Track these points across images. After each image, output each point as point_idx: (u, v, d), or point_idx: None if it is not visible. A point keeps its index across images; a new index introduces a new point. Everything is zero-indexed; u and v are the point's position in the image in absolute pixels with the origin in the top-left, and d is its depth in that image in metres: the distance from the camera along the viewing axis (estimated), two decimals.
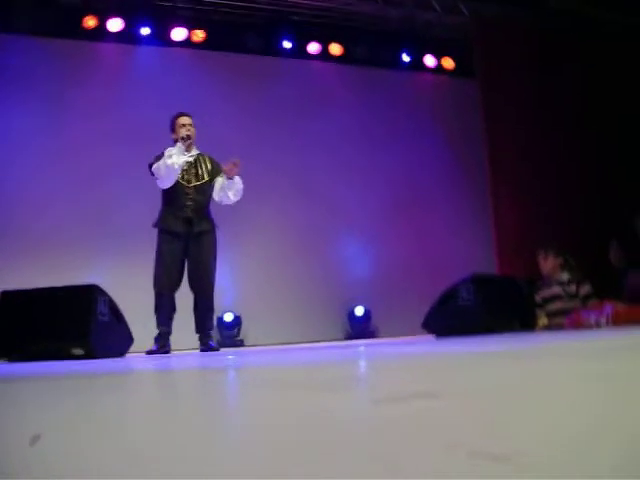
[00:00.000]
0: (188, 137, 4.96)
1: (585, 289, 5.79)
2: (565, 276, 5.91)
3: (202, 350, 4.99)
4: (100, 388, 1.81)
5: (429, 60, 9.33)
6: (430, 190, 8.80)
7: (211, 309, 5.08)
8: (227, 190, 5.04)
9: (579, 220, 7.84)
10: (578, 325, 5.36)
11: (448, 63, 9.42)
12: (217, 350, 5.08)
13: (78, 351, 4.53)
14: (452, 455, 0.61)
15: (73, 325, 4.45)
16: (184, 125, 5.03)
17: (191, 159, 5.05)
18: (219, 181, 5.11)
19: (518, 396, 1.12)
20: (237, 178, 5.03)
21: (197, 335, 5.06)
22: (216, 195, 5.13)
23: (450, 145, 8.92)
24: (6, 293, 4.75)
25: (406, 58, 9.21)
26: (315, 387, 1.49)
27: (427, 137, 8.93)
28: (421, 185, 8.77)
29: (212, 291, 5.03)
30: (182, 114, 5.11)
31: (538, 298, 5.97)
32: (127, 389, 1.82)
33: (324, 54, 8.75)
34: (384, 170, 8.66)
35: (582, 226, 7.72)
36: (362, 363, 2.49)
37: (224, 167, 5.02)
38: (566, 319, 5.56)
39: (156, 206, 5.15)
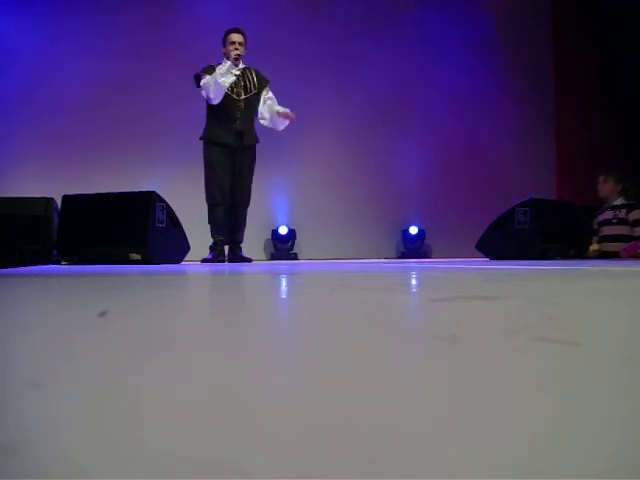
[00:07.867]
0: (238, 57, 5.00)
1: (634, 214, 5.64)
2: (619, 201, 5.75)
3: (230, 260, 5.12)
4: (156, 283, 1.85)
5: None
6: (492, 110, 8.49)
7: (244, 220, 5.16)
8: (276, 122, 5.16)
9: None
10: (634, 255, 5.28)
11: None
12: (249, 261, 5.20)
13: (135, 256, 4.67)
14: (514, 338, 0.61)
15: (131, 231, 4.57)
16: (233, 43, 5.01)
17: (239, 72, 5.06)
18: (264, 95, 5.15)
19: (570, 301, 1.10)
20: (285, 123, 5.17)
21: (228, 246, 5.18)
22: (260, 109, 5.16)
23: (516, 67, 8.52)
24: (67, 197, 4.89)
25: None
26: (373, 288, 1.49)
27: (492, 55, 8.55)
28: (483, 102, 8.47)
29: (249, 200, 5.13)
30: (233, 30, 5.07)
31: (594, 224, 5.86)
32: (184, 285, 1.86)
33: None
34: (446, 88, 8.37)
35: None
36: (418, 273, 2.49)
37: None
38: (623, 249, 5.46)
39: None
